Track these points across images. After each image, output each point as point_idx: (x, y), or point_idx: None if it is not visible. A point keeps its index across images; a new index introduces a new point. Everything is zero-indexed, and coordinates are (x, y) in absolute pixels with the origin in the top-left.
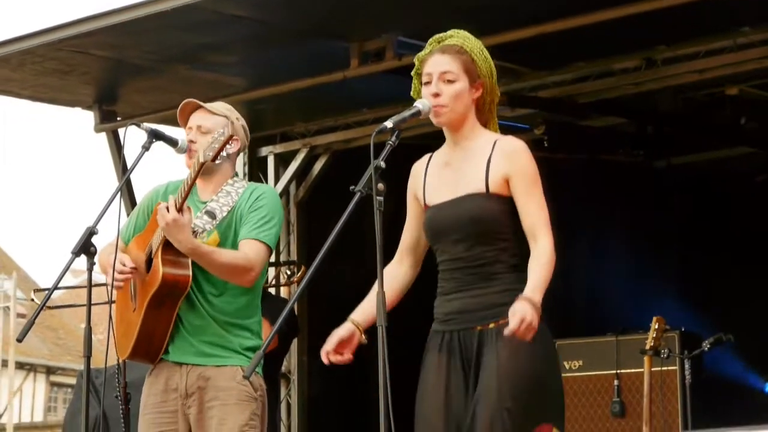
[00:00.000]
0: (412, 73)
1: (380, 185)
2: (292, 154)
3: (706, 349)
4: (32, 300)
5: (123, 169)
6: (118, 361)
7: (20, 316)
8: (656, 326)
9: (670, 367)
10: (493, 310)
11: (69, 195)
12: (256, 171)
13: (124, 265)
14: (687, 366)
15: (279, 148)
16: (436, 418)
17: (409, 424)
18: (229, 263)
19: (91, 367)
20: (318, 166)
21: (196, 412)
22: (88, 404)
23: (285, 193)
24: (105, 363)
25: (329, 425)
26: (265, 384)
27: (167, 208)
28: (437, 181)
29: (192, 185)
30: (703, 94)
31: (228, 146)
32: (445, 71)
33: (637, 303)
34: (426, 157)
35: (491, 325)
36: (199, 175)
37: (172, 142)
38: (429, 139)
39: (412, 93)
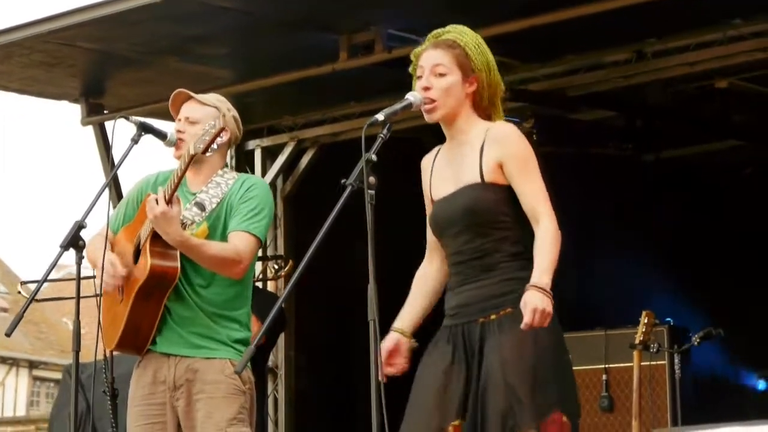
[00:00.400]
0: (410, 69)
1: (371, 179)
2: (279, 148)
3: (696, 343)
4: (19, 293)
5: (110, 162)
6: (105, 355)
7: (2, 310)
8: (645, 320)
9: (658, 362)
10: (494, 301)
11: (54, 188)
12: (243, 164)
13: (114, 266)
14: (676, 360)
15: (266, 142)
16: (432, 400)
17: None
18: (219, 256)
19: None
20: (305, 159)
21: (184, 405)
22: (77, 398)
23: (272, 186)
24: (95, 356)
25: (317, 420)
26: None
27: (156, 201)
28: (440, 176)
29: (182, 177)
30: (693, 87)
31: (219, 138)
32: (436, 65)
33: (625, 297)
34: (434, 150)
35: (492, 317)
36: (189, 167)
37: (161, 136)
38: (420, 132)
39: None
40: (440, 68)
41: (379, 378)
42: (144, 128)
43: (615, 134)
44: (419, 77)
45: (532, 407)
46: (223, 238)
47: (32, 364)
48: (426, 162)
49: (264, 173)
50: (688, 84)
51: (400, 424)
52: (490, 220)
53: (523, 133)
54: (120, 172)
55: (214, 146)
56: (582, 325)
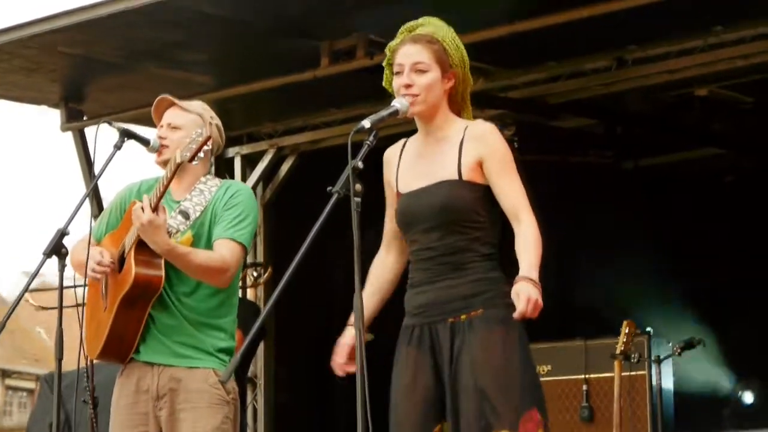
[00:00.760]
0: (384, 63)
1: (358, 186)
2: (259, 155)
3: (677, 353)
4: None
5: (89, 168)
6: (86, 364)
7: None
8: (627, 330)
9: (639, 372)
10: (465, 301)
11: (31, 195)
12: (223, 172)
13: (102, 256)
14: (657, 370)
15: (246, 149)
16: (412, 415)
17: (381, 426)
18: (205, 264)
19: (52, 371)
20: (285, 167)
21: (167, 414)
22: (59, 407)
23: None
24: (78, 363)
25: (296, 431)
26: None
27: (142, 209)
28: (411, 170)
29: (167, 185)
30: (673, 95)
31: (205, 146)
32: (416, 62)
33: (605, 306)
34: (399, 143)
35: (463, 317)
36: (175, 174)
37: (144, 142)
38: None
39: (383, 83)
40: (421, 65)
41: (342, 373)
42: (126, 134)
43: (595, 142)
44: (398, 73)
45: (505, 407)
46: (208, 245)
47: (5, 373)
48: (391, 154)
49: (244, 181)
50: (668, 92)
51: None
52: (466, 218)
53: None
54: (100, 179)
55: (201, 154)
56: (562, 335)
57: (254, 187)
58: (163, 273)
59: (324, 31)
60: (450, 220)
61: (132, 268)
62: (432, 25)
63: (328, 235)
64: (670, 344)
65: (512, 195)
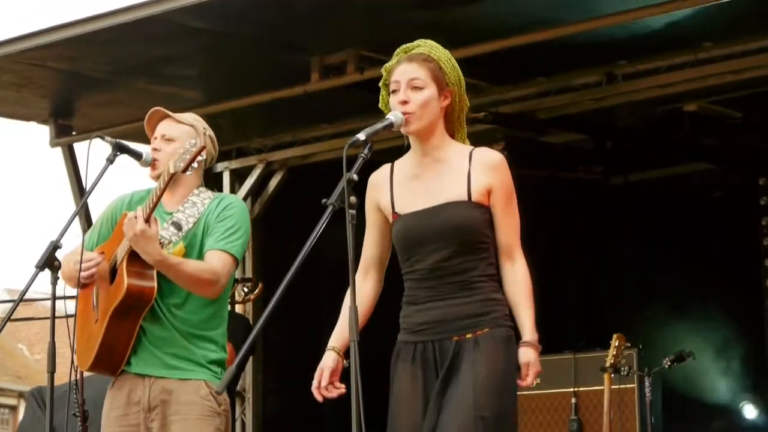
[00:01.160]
0: (380, 83)
1: (352, 198)
2: (248, 170)
3: (667, 366)
4: None
5: (78, 184)
6: (75, 377)
7: None
8: (616, 343)
9: (627, 385)
10: (472, 320)
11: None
12: (212, 187)
13: (93, 258)
14: (647, 383)
15: (235, 164)
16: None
17: None
18: (196, 275)
19: (40, 385)
20: (274, 182)
21: (158, 426)
22: (52, 420)
23: None
24: (69, 377)
25: None
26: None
27: (135, 219)
28: (408, 191)
29: (161, 195)
30: (662, 110)
31: (199, 156)
32: (412, 78)
33: (594, 319)
34: (386, 167)
35: (468, 335)
36: (168, 185)
37: (137, 155)
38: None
39: (380, 104)
40: (417, 82)
41: (321, 398)
42: (119, 148)
43: (585, 157)
44: (394, 91)
45: (498, 426)
46: (200, 257)
47: None
48: (380, 177)
49: None
50: (658, 107)
51: None
52: (475, 239)
53: None
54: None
55: (195, 165)
56: (550, 349)
57: None
58: (155, 284)
59: (314, 46)
60: (463, 240)
61: (124, 279)
62: (428, 46)
63: (315, 247)
64: (660, 358)
65: (510, 232)
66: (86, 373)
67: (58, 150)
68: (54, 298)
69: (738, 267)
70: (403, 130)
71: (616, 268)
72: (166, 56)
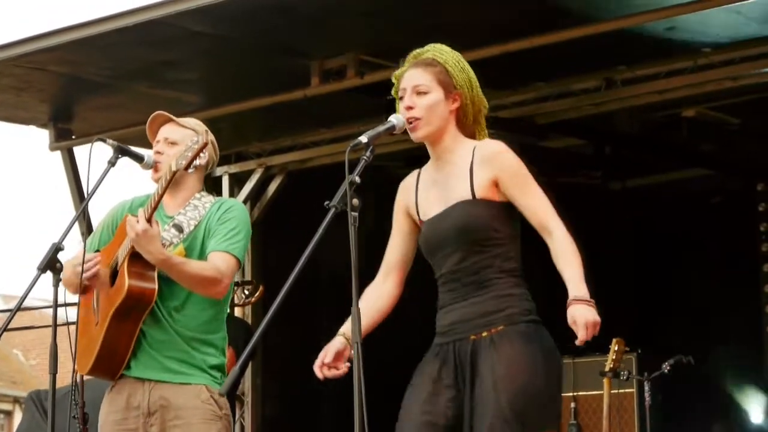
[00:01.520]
0: (393, 92)
1: (355, 201)
2: (247, 174)
3: (666, 371)
4: None
5: (78, 188)
6: (74, 381)
7: None
8: (616, 348)
9: (626, 390)
10: (486, 318)
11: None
12: (211, 191)
13: (92, 259)
14: (647, 388)
15: (234, 168)
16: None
17: None
18: (199, 274)
19: (38, 389)
20: (273, 186)
21: (158, 431)
22: (53, 423)
23: None
24: (73, 380)
25: None
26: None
27: (137, 219)
28: (428, 197)
29: (162, 195)
30: (661, 115)
31: (201, 154)
32: (417, 84)
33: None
34: (415, 172)
35: (484, 334)
36: (170, 185)
37: (138, 158)
38: (389, 160)
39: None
40: (421, 87)
41: (322, 375)
42: (121, 151)
43: (584, 162)
44: (401, 98)
45: (522, 427)
46: (201, 259)
47: None
48: (408, 184)
49: None
50: (657, 112)
51: None
52: (483, 236)
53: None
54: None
55: (196, 162)
56: None
57: None
58: (156, 285)
59: (315, 50)
60: (469, 240)
61: (126, 280)
62: (435, 50)
63: (316, 249)
64: (659, 362)
65: (537, 209)
66: (87, 377)
67: (58, 154)
68: (56, 299)
69: (736, 272)
70: (412, 137)
71: (614, 273)
72: (166, 60)
